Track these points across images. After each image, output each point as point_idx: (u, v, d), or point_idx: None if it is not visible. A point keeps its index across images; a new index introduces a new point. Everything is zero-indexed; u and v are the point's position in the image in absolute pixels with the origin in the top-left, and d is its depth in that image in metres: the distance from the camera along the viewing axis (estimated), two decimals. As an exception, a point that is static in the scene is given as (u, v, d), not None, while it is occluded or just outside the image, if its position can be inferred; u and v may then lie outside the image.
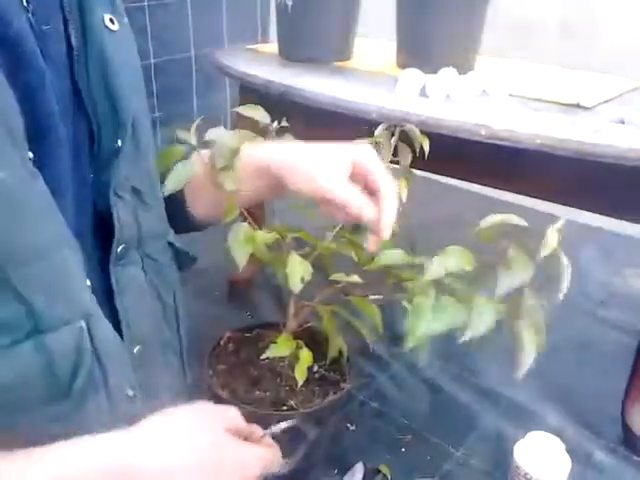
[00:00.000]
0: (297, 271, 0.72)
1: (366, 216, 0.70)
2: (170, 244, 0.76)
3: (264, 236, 0.73)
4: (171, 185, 0.71)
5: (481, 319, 0.66)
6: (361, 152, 0.72)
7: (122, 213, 0.63)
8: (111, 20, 0.62)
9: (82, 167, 0.61)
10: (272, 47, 1.52)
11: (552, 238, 0.65)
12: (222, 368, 0.96)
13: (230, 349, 1.00)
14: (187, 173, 0.72)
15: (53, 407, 0.53)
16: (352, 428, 1.20)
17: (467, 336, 0.65)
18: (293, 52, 1.43)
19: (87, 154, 0.62)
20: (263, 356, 0.84)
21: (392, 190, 0.71)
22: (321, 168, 0.70)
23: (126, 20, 0.66)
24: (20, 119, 0.49)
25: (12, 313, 0.49)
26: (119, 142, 0.62)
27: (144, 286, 0.69)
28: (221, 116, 2.70)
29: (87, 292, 0.57)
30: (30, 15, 0.53)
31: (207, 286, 1.66)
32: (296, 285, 0.73)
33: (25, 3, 0.53)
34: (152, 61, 2.38)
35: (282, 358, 0.92)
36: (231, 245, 0.72)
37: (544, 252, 0.64)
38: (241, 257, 0.71)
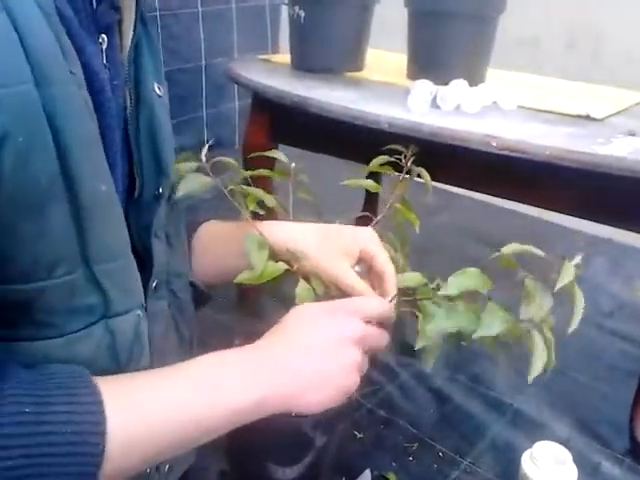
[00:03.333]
0: (304, 297, 0.76)
1: None
2: (191, 283, 0.84)
3: (273, 267, 0.76)
4: (182, 190, 0.74)
5: (493, 320, 0.68)
6: (367, 239, 0.82)
7: (158, 252, 0.71)
8: (158, 87, 0.72)
9: None
10: (284, 57, 1.54)
11: (569, 273, 0.67)
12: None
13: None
14: (199, 183, 0.74)
15: None
16: (360, 436, 1.21)
17: (478, 334, 0.67)
18: (305, 63, 1.45)
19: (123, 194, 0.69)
20: None
21: (393, 273, 0.80)
22: (333, 259, 0.80)
23: (166, 85, 0.76)
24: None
25: (92, 301, 0.58)
26: (160, 189, 0.71)
27: (169, 319, 0.76)
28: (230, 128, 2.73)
29: (141, 287, 0.66)
30: (107, 70, 0.63)
31: (216, 293, 1.66)
32: None
33: (105, 61, 0.63)
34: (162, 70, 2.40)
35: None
36: (248, 250, 0.76)
37: (559, 285, 0.66)
38: (259, 263, 0.75)
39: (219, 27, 2.62)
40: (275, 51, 2.67)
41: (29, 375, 0.53)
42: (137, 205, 0.70)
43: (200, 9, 2.51)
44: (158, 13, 2.34)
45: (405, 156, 0.85)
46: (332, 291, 0.80)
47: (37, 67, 0.49)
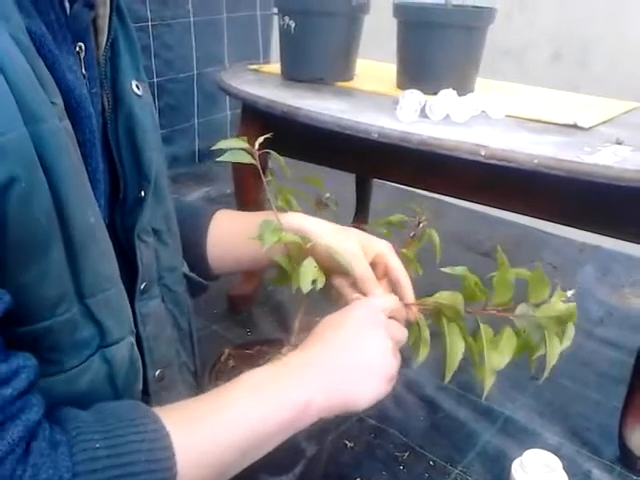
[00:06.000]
0: (309, 273, 0.77)
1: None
2: (184, 275, 0.85)
3: (288, 236, 0.79)
4: (223, 158, 0.76)
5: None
6: (383, 247, 0.84)
7: (144, 254, 0.72)
8: (137, 86, 0.70)
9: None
10: (275, 67, 1.54)
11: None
12: (222, 384, 0.96)
13: (230, 365, 1.01)
14: (241, 158, 0.77)
15: None
16: (350, 445, 1.20)
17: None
18: (295, 73, 1.45)
19: (106, 201, 0.69)
20: None
21: (409, 281, 0.83)
22: (348, 246, 0.81)
23: (146, 83, 0.74)
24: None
25: (90, 334, 0.58)
26: (142, 193, 0.70)
27: (163, 316, 0.77)
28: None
29: (130, 313, 0.66)
30: (87, 81, 0.62)
31: (207, 302, 1.66)
32: (306, 285, 0.77)
33: (83, 70, 0.62)
34: (155, 80, 2.40)
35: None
36: (262, 231, 0.78)
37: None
38: (268, 242, 0.77)
39: (211, 37, 2.63)
40: (267, 61, 2.68)
41: (88, 414, 0.55)
42: (122, 207, 0.70)
43: (192, 19, 2.52)
44: (150, 23, 2.35)
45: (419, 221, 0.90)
46: (337, 281, 0.82)
47: (23, 106, 0.49)
